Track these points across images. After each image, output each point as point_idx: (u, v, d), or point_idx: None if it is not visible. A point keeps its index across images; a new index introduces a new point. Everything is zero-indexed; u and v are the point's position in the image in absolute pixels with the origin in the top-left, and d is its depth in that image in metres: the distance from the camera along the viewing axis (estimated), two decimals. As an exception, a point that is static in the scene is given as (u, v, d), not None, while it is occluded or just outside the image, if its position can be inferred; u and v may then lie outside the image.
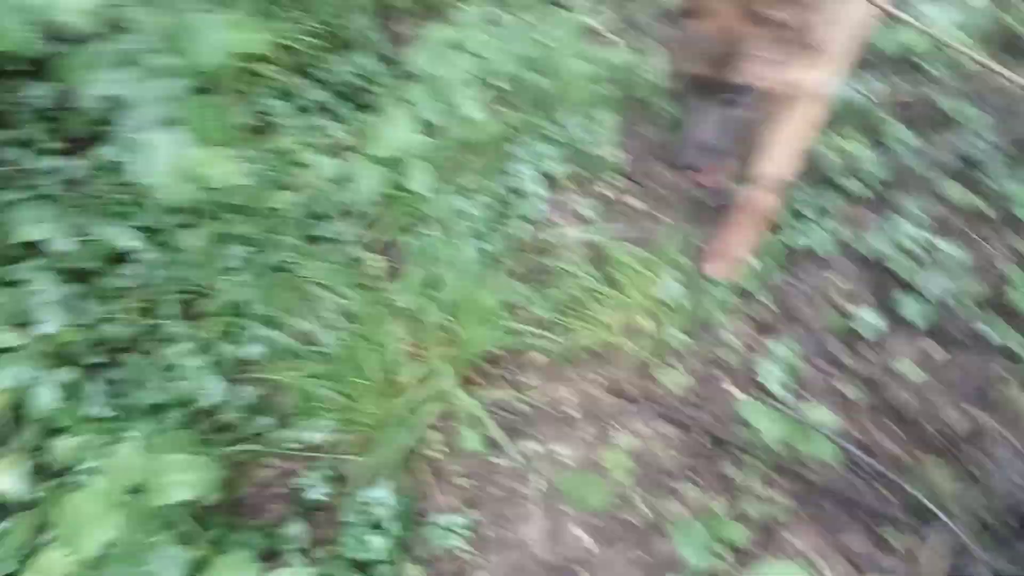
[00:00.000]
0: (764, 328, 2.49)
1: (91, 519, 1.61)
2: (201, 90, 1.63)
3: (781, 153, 2.47)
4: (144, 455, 1.75)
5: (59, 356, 2.23)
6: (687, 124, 2.11)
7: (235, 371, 2.42)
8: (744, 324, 2.50)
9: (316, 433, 2.26)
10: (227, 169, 1.66)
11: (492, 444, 2.30)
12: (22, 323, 2.22)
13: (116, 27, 1.62)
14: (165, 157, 1.56)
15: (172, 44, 1.53)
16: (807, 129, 2.39)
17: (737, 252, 2.50)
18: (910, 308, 2.37)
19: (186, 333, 2.40)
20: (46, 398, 2.09)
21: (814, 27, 1.99)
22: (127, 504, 1.67)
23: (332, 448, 2.28)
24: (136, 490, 1.70)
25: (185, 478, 1.74)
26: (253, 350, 2.40)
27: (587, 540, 2.18)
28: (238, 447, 2.26)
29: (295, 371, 2.34)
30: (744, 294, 2.52)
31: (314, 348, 2.37)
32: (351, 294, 2.44)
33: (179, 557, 1.76)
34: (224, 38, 1.53)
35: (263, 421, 2.33)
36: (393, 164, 2.76)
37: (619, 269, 2.54)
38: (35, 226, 2.19)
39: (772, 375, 2.32)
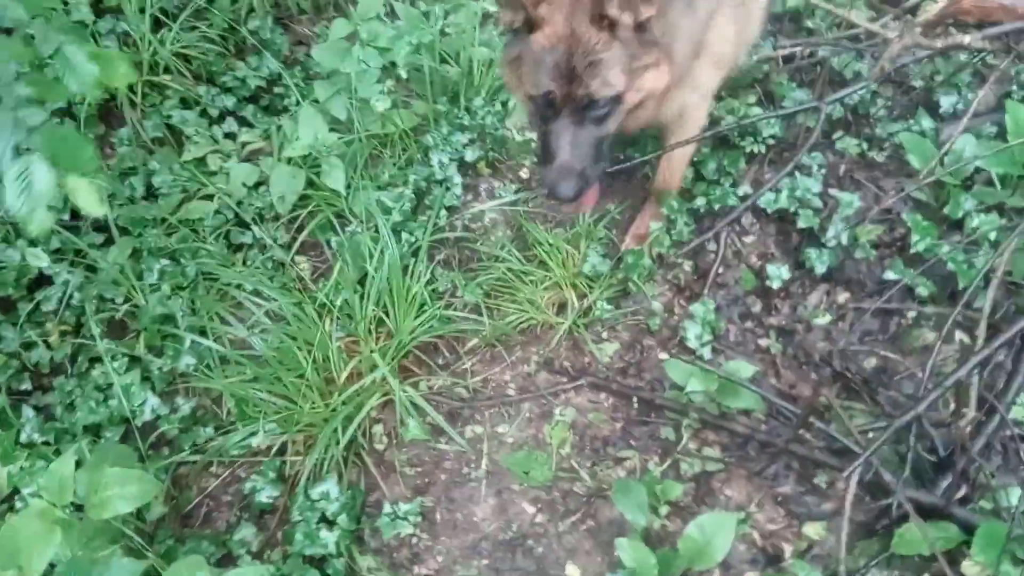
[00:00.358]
0: (684, 291, 2.59)
1: (31, 540, 1.60)
2: (60, 121, 1.60)
3: (671, 168, 2.56)
4: (81, 471, 1.74)
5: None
6: (549, 150, 1.95)
7: (168, 384, 2.41)
8: (666, 290, 2.60)
9: (257, 437, 2.26)
10: (91, 198, 1.64)
11: (435, 431, 2.35)
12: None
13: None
14: (32, 187, 1.54)
15: (30, 77, 1.51)
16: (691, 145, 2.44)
17: (651, 222, 2.59)
18: (813, 257, 2.50)
19: (113, 351, 2.37)
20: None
21: (669, 26, 1.94)
22: (68, 521, 1.66)
23: (275, 450, 2.29)
24: (77, 506, 1.69)
25: (125, 491, 1.74)
26: (184, 362, 2.38)
27: (536, 514, 2.25)
28: (179, 459, 2.25)
29: (229, 378, 2.34)
30: (663, 261, 2.62)
31: (246, 354, 2.37)
32: (279, 297, 2.44)
33: (129, 569, 1.75)
34: (90, 70, 1.52)
35: (202, 431, 2.32)
36: (308, 164, 2.77)
37: (542, 248, 2.60)
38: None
39: (694, 335, 2.42)
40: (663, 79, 1.96)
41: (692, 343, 2.42)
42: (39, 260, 2.36)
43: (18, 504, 2.08)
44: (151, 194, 2.69)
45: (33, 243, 2.42)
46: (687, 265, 2.62)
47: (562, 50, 1.84)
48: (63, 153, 1.57)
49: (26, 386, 2.30)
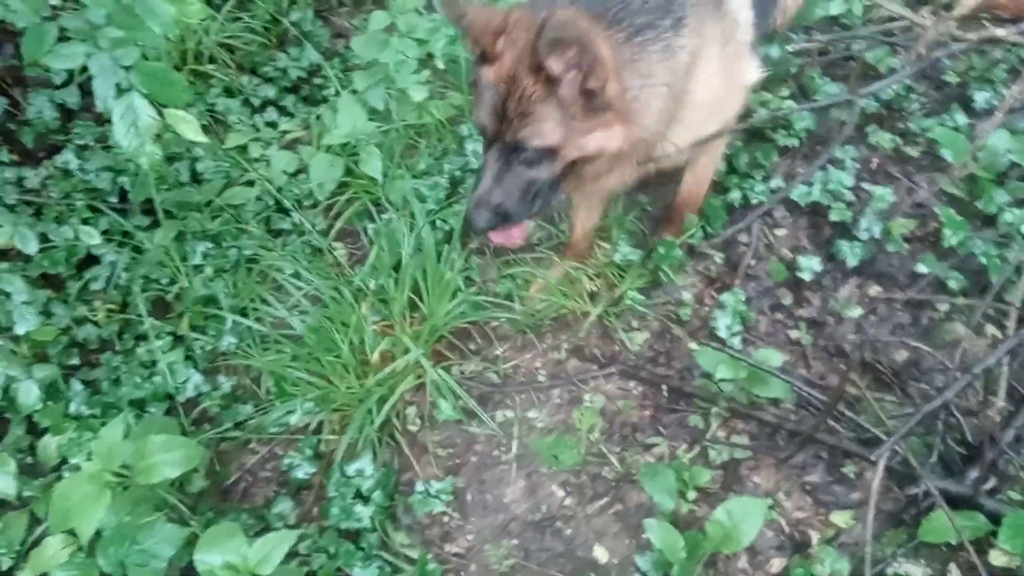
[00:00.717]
0: (714, 282, 2.62)
1: (83, 502, 1.67)
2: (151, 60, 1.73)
3: (696, 182, 2.52)
4: (127, 442, 1.81)
5: (36, 357, 2.28)
6: (477, 180, 1.91)
7: (210, 363, 2.48)
8: (697, 280, 2.63)
9: (295, 416, 2.32)
10: (190, 126, 1.78)
11: (467, 414, 2.40)
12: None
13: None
14: (137, 120, 1.66)
15: (118, 19, 1.61)
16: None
17: (684, 215, 2.62)
18: (845, 250, 2.52)
19: (158, 329, 2.45)
20: (28, 396, 2.14)
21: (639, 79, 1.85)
22: (117, 485, 1.73)
23: (312, 429, 2.36)
24: (124, 472, 1.76)
25: (170, 457, 1.81)
26: (226, 341, 2.46)
27: (565, 497, 2.29)
28: (220, 436, 2.33)
29: (269, 357, 2.41)
30: (694, 252, 2.65)
31: (286, 333, 2.44)
32: (318, 281, 2.51)
33: (172, 534, 1.83)
34: (167, 10, 1.61)
35: (242, 408, 2.39)
36: (346, 152, 2.83)
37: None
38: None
39: (724, 325, 2.44)
40: (614, 141, 1.87)
41: (722, 333, 2.44)
42: (91, 238, 2.45)
43: (65, 473, 2.17)
44: (195, 179, 2.77)
45: (85, 221, 2.51)
46: (718, 257, 2.64)
47: (502, 90, 1.79)
48: (158, 88, 1.68)
49: (75, 361, 2.38)
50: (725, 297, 2.47)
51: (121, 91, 1.71)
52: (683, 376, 2.46)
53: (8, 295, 2.31)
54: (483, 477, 2.33)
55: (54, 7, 1.78)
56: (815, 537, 2.14)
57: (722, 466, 2.28)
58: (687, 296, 2.58)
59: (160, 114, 1.79)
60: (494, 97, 1.79)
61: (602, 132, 1.84)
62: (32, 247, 2.32)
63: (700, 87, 2.03)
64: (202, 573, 1.72)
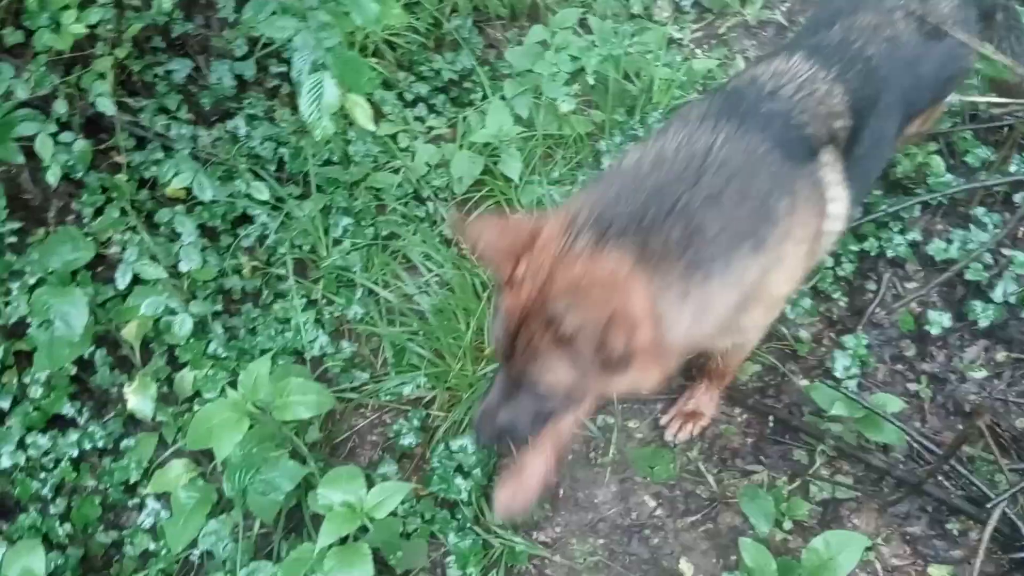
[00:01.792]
0: (836, 324, 2.60)
1: (223, 425, 1.81)
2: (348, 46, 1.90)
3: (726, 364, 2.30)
4: (271, 376, 1.95)
5: (191, 294, 2.48)
6: (487, 390, 1.72)
7: (336, 328, 2.63)
8: (817, 320, 2.62)
9: (408, 387, 2.44)
10: (365, 115, 1.93)
11: (569, 413, 2.45)
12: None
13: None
14: (322, 97, 1.82)
15: (328, 5, 1.78)
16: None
17: (703, 407, 2.42)
18: (978, 311, 2.47)
19: (295, 290, 2.62)
20: (182, 328, 2.33)
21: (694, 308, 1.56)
22: (255, 415, 1.86)
23: (422, 402, 2.46)
24: (261, 407, 1.89)
25: (305, 399, 1.93)
26: (353, 310, 2.60)
27: (656, 507, 2.31)
28: (337, 394, 2.46)
29: (393, 329, 2.54)
30: (818, 294, 2.64)
31: (411, 309, 2.57)
32: (447, 266, 2.63)
33: (293, 471, 1.95)
34: (373, 8, 1.77)
35: (360, 374, 2.52)
36: (487, 152, 2.96)
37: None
38: (178, 179, 2.45)
39: (843, 366, 2.42)
40: (650, 381, 1.60)
41: (839, 373, 2.43)
42: (260, 193, 2.68)
43: (196, 406, 2.34)
44: (346, 159, 2.95)
45: (258, 177, 2.75)
46: (842, 301, 2.63)
47: (515, 320, 1.53)
48: (348, 73, 1.84)
49: (219, 307, 2.56)
50: (847, 339, 2.46)
51: (315, 68, 1.88)
52: (791, 411, 2.45)
53: (179, 235, 2.53)
54: (577, 475, 2.38)
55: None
56: (911, 586, 2.10)
57: (822, 503, 2.25)
58: (804, 334, 2.57)
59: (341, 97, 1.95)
60: (506, 323, 1.55)
61: (633, 375, 1.54)
62: (208, 194, 2.54)
63: (767, 292, 1.79)
64: (321, 507, 1.84)
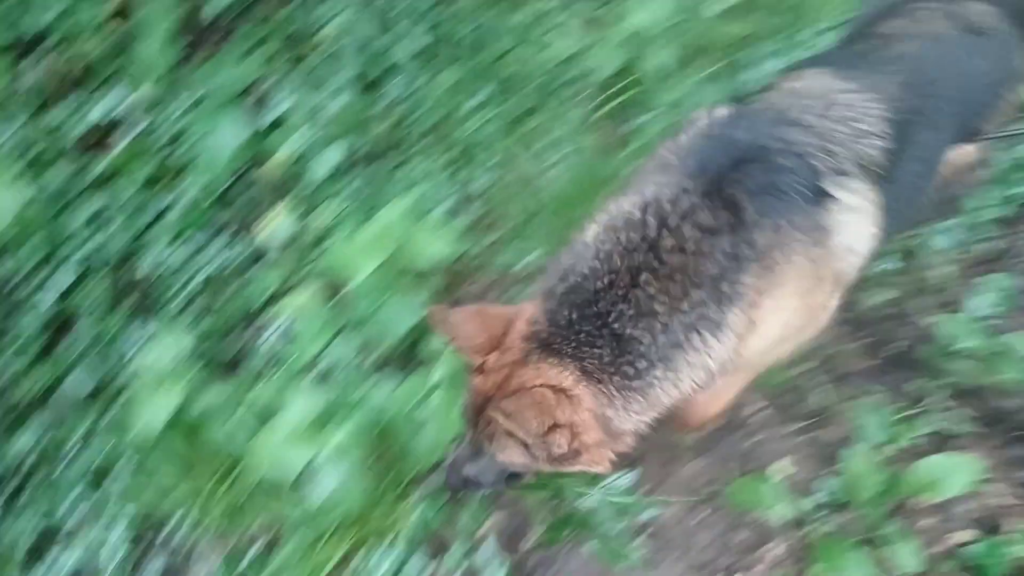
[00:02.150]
0: (981, 263, 2.48)
1: (362, 252, 1.88)
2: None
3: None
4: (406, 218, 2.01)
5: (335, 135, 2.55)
6: (459, 444, 1.80)
7: (462, 194, 2.67)
8: (961, 257, 2.50)
9: (529, 256, 2.46)
10: None
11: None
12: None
13: None
14: None
15: None
16: None
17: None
18: None
19: (428, 152, 2.66)
20: (324, 164, 2.40)
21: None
22: (390, 252, 1.93)
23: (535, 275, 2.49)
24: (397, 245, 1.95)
25: (438, 243, 1.98)
26: (482, 179, 2.63)
27: (765, 407, 2.30)
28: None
29: (517, 202, 2.57)
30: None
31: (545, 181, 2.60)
32: (583, 145, 2.62)
33: (415, 310, 2.01)
34: None
35: (481, 240, 2.56)
36: (635, 45, 2.89)
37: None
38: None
39: (982, 302, 2.31)
40: (602, 466, 1.63)
41: (976, 310, 2.31)
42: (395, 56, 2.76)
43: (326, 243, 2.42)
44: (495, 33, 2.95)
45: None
46: (992, 238, 2.50)
47: (479, 402, 1.62)
48: None
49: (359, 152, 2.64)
50: (991, 277, 2.34)
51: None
52: (914, 341, 2.37)
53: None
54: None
55: None
56: (1006, 525, 2.05)
57: (933, 435, 2.19)
58: (946, 270, 2.46)
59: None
60: (472, 400, 1.65)
61: (586, 461, 1.61)
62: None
63: (746, 360, 1.65)
64: (434, 351, 1.89)
